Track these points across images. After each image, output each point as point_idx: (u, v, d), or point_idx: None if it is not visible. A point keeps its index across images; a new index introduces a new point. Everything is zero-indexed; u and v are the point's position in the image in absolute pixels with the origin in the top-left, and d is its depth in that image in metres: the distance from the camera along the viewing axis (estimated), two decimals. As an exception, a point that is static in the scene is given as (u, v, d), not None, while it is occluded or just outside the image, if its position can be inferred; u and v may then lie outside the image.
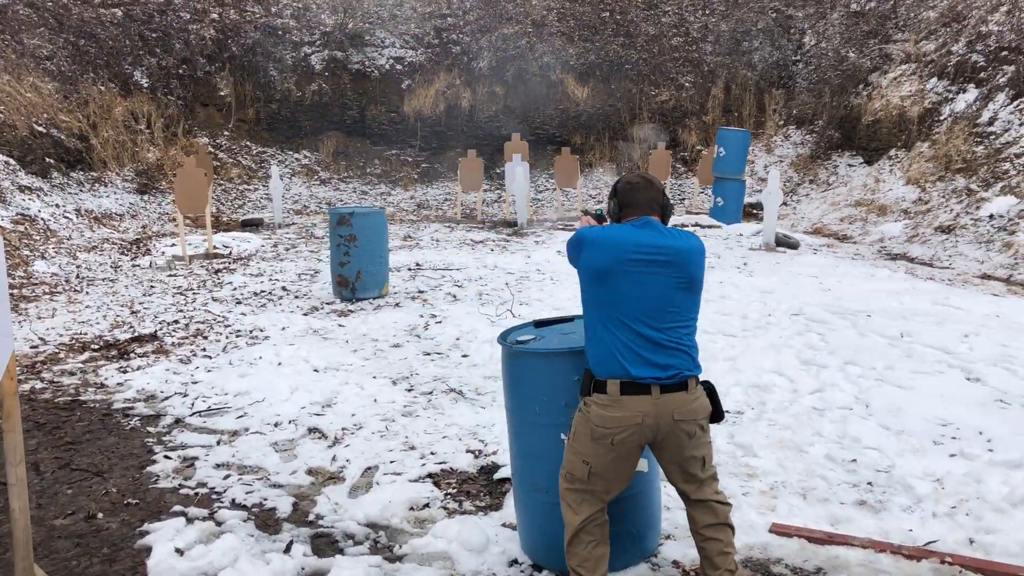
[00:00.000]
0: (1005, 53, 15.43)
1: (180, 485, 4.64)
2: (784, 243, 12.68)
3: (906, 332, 7.23)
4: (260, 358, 6.89)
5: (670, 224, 3.32)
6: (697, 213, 16.43)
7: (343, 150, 19.15)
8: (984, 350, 6.67)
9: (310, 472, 4.79)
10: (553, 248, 12.58)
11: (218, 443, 5.23)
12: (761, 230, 14.10)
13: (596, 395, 3.13)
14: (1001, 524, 3.86)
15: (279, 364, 6.72)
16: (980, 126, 14.79)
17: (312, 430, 5.38)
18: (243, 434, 5.36)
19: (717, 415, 3.19)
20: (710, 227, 14.91)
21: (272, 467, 4.85)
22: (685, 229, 3.26)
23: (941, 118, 15.91)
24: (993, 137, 14.33)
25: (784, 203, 17.42)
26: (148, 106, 17.17)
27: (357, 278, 9.08)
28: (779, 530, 3.86)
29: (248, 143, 18.70)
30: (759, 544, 3.77)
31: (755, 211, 16.60)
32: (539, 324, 3.91)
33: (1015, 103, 14.50)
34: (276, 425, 5.47)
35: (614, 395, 3.06)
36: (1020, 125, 14.01)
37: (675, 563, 3.66)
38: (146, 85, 17.62)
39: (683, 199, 18.39)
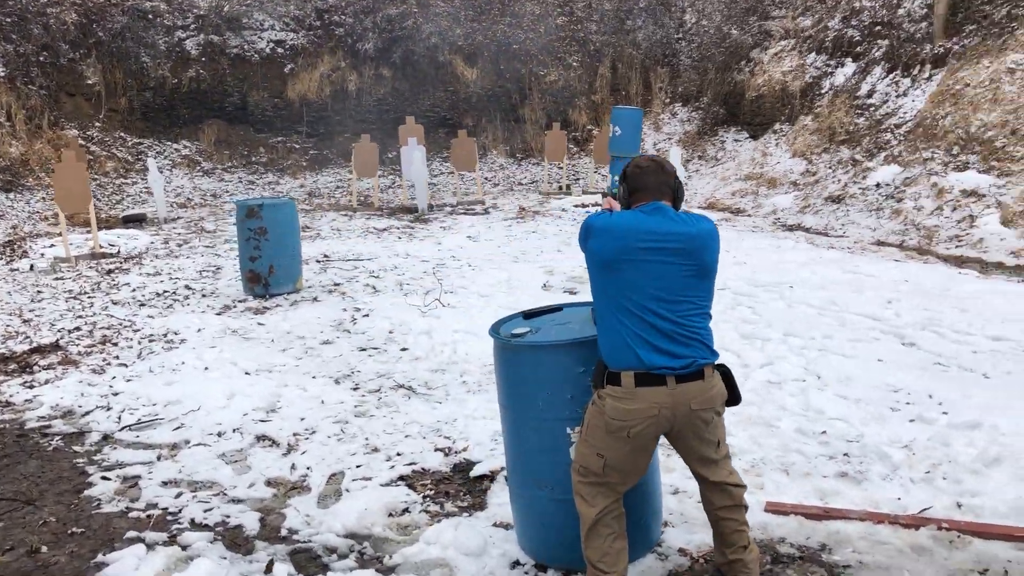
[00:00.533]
0: (879, 28, 16.11)
1: (127, 508, 4.27)
2: (687, 219, 12.87)
3: (831, 301, 7.42)
4: (183, 363, 6.46)
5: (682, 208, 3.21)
6: (594, 192, 16.53)
7: (226, 138, 18.32)
8: (910, 315, 6.91)
9: (270, 483, 4.49)
10: (462, 234, 12.39)
11: (159, 458, 4.85)
12: (661, 207, 14.29)
13: (610, 387, 3.01)
14: (981, 486, 3.96)
15: (206, 369, 6.32)
16: (860, 98, 15.40)
17: (261, 438, 5.06)
18: (184, 447, 4.99)
19: (734, 399, 3.13)
20: (610, 205, 14.99)
21: (226, 481, 4.53)
22: (695, 213, 3.14)
23: (822, 92, 16.50)
24: (873, 109, 14.95)
25: (676, 179, 17.71)
26: (7, 96, 15.92)
27: (270, 273, 8.66)
28: (774, 508, 3.85)
29: (122, 134, 17.64)
30: (758, 524, 3.74)
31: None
32: (528, 315, 3.75)
33: (891, 76, 15.16)
34: (219, 435, 5.12)
35: (629, 387, 2.95)
36: (897, 97, 14.66)
37: (681, 551, 3.59)
38: (2, 74, 16.33)
39: (578, 179, 18.47)
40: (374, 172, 16.17)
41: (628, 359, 2.95)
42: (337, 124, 18.90)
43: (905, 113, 14.11)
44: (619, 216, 3.08)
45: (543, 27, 20.07)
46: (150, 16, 18.29)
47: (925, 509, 3.77)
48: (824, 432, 4.70)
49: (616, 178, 3.68)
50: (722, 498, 3.17)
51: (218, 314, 8.07)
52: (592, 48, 20.16)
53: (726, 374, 3.11)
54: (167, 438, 5.12)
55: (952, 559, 3.41)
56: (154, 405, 5.66)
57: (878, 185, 13.19)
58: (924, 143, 13.05)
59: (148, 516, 4.18)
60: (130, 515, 4.19)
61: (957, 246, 10.65)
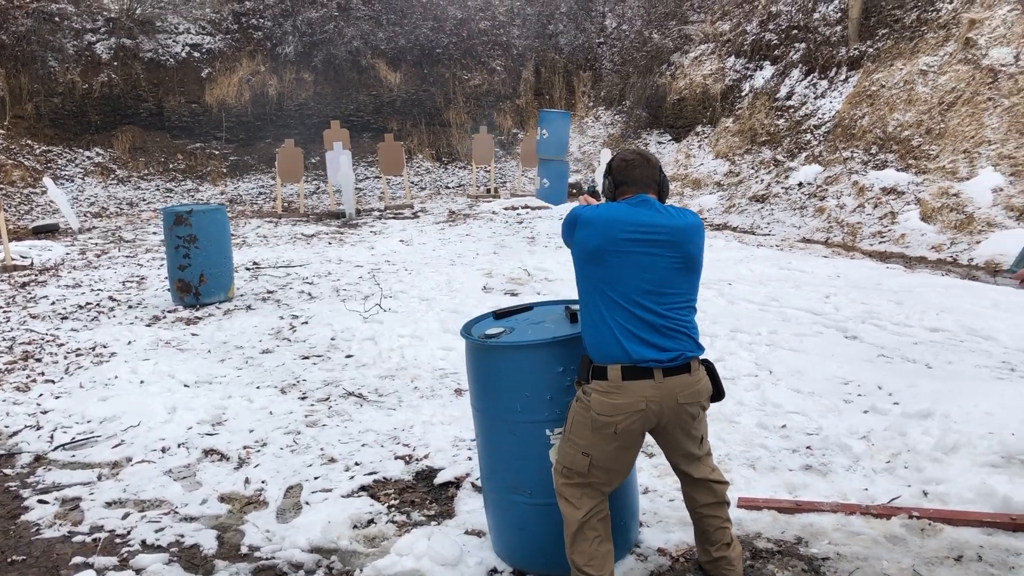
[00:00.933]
0: (795, 31, 16.54)
1: (71, 532, 4.01)
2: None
3: (771, 297, 7.53)
4: (116, 377, 6.15)
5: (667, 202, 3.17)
6: (522, 195, 16.52)
7: (141, 145, 17.71)
8: (848, 309, 7.06)
9: (223, 499, 4.28)
10: (395, 238, 12.21)
11: (99, 478, 4.59)
12: (591, 209, 14.36)
13: (596, 382, 2.95)
14: (943, 473, 4.03)
15: (142, 382, 6.03)
16: (779, 100, 15.79)
17: (209, 452, 4.84)
18: (127, 465, 4.73)
19: (718, 394, 3.10)
20: (539, 208, 15.03)
21: (176, 498, 4.30)
22: (680, 207, 3.10)
23: (742, 94, 16.86)
24: (792, 110, 15.33)
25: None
26: (-96, 103, 15.09)
27: (201, 282, 8.36)
28: (747, 504, 3.84)
29: (29, 142, 16.88)
30: (732, 520, 3.71)
31: (573, 191, 16.91)
32: (499, 315, 3.66)
33: (808, 78, 15.59)
34: (164, 451, 4.88)
35: (615, 381, 2.90)
36: (816, 98, 15.07)
37: (660, 551, 3.54)
38: (-101, 79, 15.48)
39: (505, 182, 18.44)
40: (299, 177, 15.84)
41: (615, 352, 2.90)
42: (258, 129, 18.47)
43: (824, 114, 14.51)
44: (605, 207, 3.02)
45: (466, 31, 20.01)
46: (57, 19, 17.56)
47: (894, 498, 3.82)
48: (784, 426, 4.73)
49: (592, 180, 3.64)
50: (706, 495, 3.15)
51: (148, 325, 7.74)
52: (515, 52, 20.18)
53: (710, 369, 3.08)
54: (107, 456, 4.85)
55: (926, 547, 3.45)
56: (89, 422, 5.36)
57: (800, 184, 13.52)
58: (843, 143, 13.42)
59: (94, 540, 3.94)
60: (74, 540, 3.94)
61: (880, 242, 10.97)
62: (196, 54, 18.51)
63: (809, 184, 13.34)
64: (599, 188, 3.42)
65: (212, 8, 18.86)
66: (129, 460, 4.79)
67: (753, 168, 14.93)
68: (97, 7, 18.12)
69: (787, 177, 13.91)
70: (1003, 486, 3.78)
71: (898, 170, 12.01)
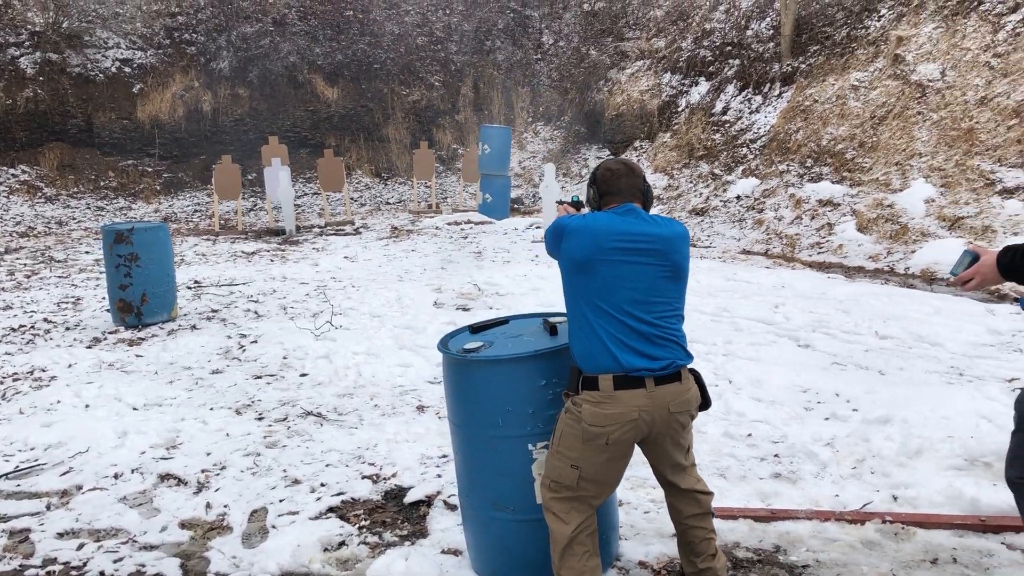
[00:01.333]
0: (729, 48, 16.89)
1: (22, 566, 3.82)
2: (563, 234, 13.00)
3: (723, 308, 7.62)
4: (59, 402, 5.91)
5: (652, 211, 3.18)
6: (464, 211, 16.49)
7: (70, 162, 17.18)
8: (798, 318, 7.18)
9: (185, 525, 4.12)
10: (339, 255, 12.05)
11: (49, 508, 4.38)
12: (533, 223, 14.43)
13: (587, 392, 2.92)
14: (910, 477, 4.10)
15: (87, 407, 5.81)
16: (715, 115, 16.08)
17: (165, 477, 4.67)
18: (77, 493, 4.53)
19: (706, 403, 3.10)
20: (482, 223, 15.02)
21: (133, 527, 4.13)
22: (669, 217, 3.11)
23: (679, 109, 17.12)
24: (728, 125, 15.62)
25: (540, 197, 17.96)
26: None
27: (143, 301, 8.11)
28: (723, 513, 3.84)
29: (-50, 159, 16.25)
30: (709, 530, 3.73)
31: (515, 206, 16.96)
32: (476, 329, 3.60)
33: (743, 93, 15.91)
34: (117, 477, 4.69)
35: (607, 391, 2.87)
36: (751, 113, 15.38)
37: (641, 564, 3.52)
38: None
39: (446, 197, 18.39)
40: (237, 194, 15.54)
41: (605, 362, 2.88)
42: (192, 146, 18.09)
43: (759, 129, 14.81)
44: (592, 217, 3.01)
45: (403, 47, 19.95)
46: (-21, 32, 16.98)
47: (866, 504, 3.87)
48: (750, 435, 4.77)
49: (574, 196, 3.62)
50: (691, 506, 3.13)
51: (88, 347, 7.48)
52: (454, 68, 20.19)
53: (697, 377, 3.08)
54: (55, 485, 4.65)
55: (902, 551, 3.49)
56: (32, 449, 5.13)
57: (739, 197, 13.76)
58: (779, 156, 13.72)
59: (48, 573, 3.76)
60: (26, 573, 3.75)
61: (819, 252, 11.21)
62: (127, 69, 18.07)
63: (747, 197, 13.59)
64: (581, 198, 3.41)
65: (143, 23, 18.45)
66: (79, 488, 4.59)
67: (691, 182, 15.15)
68: (21, 20, 17.57)
69: (725, 190, 14.15)
70: (970, 488, 3.86)
71: (833, 182, 12.32)
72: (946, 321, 6.95)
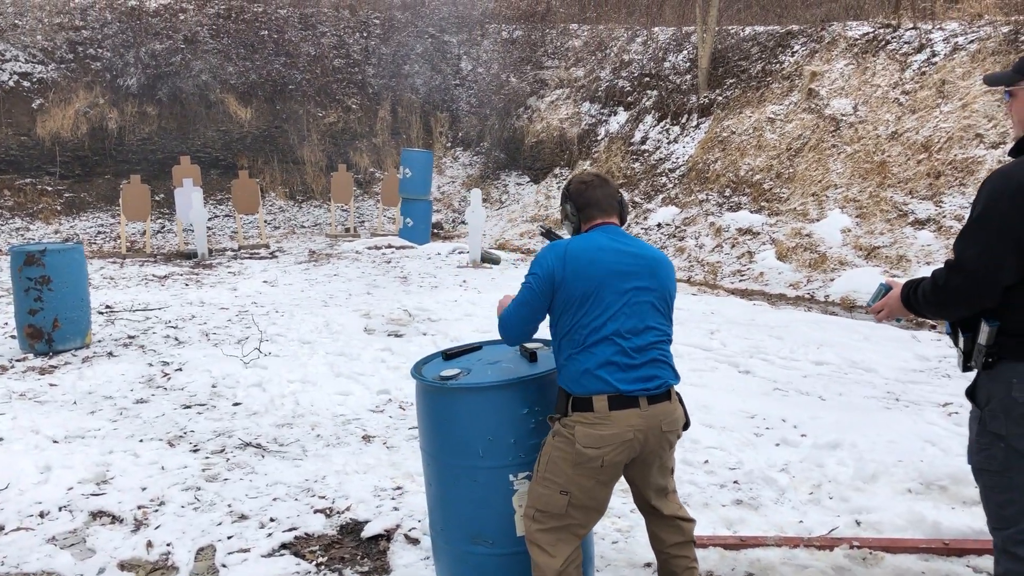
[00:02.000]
0: (647, 79, 17.22)
1: (-57, 616, 3.49)
2: (488, 259, 12.96)
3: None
4: (-31, 435, 5.48)
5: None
6: (383, 235, 16.26)
7: (-38, 180, 16.24)
8: (735, 345, 7.27)
9: (124, 566, 3.84)
10: (257, 279, 11.68)
11: (-32, 551, 4.03)
12: (456, 248, 14.33)
13: (579, 414, 2.83)
14: (869, 502, 4.14)
15: (1, 440, 5.40)
16: (634, 144, 16.34)
17: (97, 515, 4.35)
18: (0, 534, 4.18)
19: (687, 422, 3.07)
20: (402, 248, 14.83)
21: (67, 569, 3.82)
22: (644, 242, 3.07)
23: (598, 138, 17.34)
24: (647, 154, 15.90)
25: (462, 222, 17.90)
26: None
27: (55, 327, 7.65)
28: (693, 542, 3.79)
29: None
30: (682, 560, 3.67)
31: (435, 230, 16.83)
32: (449, 356, 3.47)
33: (661, 124, 16.23)
34: (43, 515, 4.34)
35: (602, 411, 2.80)
36: (668, 143, 15.69)
37: (618, 596, 3.43)
38: None
39: (363, 221, 18.12)
40: (146, 215, 14.95)
41: (597, 384, 2.81)
42: (96, 165, 17.34)
43: (678, 158, 15.11)
44: (580, 246, 2.92)
45: (319, 68, 19.65)
46: None
47: (832, 529, 3.88)
48: (707, 461, 4.76)
49: (541, 227, 3.55)
50: (674, 535, 3.08)
51: (-5, 376, 7.00)
52: (371, 91, 19.99)
53: (679, 398, 3.04)
54: (-27, 525, 4.28)
55: None
56: (-57, 487, 4.73)
57: (660, 225, 13.98)
58: (698, 186, 14.01)
59: (-25, 623, 3.43)
60: (-51, 624, 3.42)
61: (741, 280, 11.45)
62: (26, 83, 17.23)
63: (668, 225, 13.81)
64: (550, 227, 3.36)
65: (44, 35, 17.66)
66: (1, 529, 4.23)
67: (612, 209, 15.31)
68: (-89, 29, 16.60)
69: (646, 218, 14.35)
70: (930, 512, 3.92)
71: (752, 212, 12.63)
72: (876, 347, 7.14)
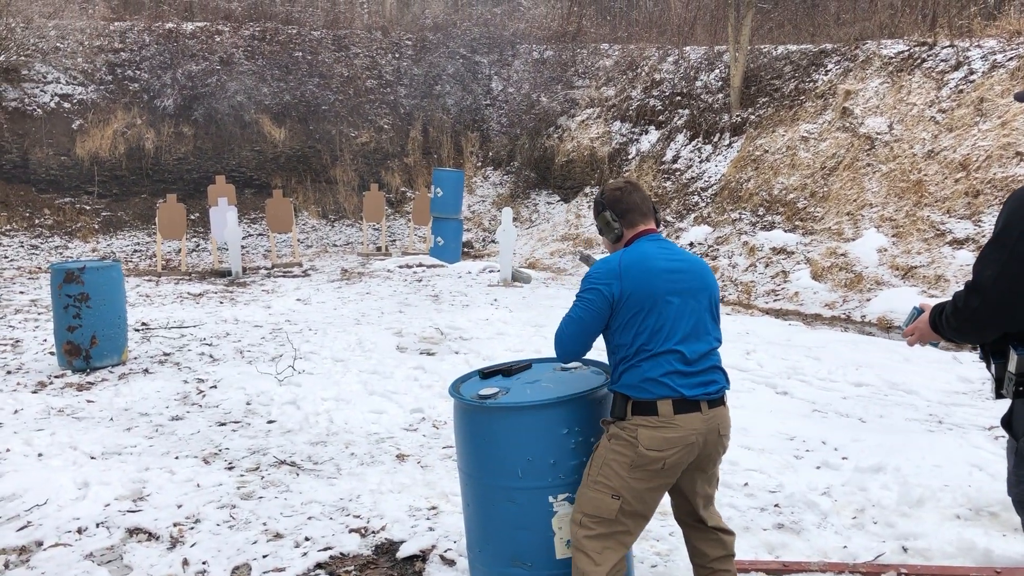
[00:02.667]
0: (679, 98, 17.18)
1: (-18, 632, 3.49)
2: (519, 278, 12.94)
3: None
4: (8, 451, 5.52)
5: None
6: (414, 253, 16.31)
7: (3, 199, 16.51)
8: (772, 365, 7.17)
9: (161, 585, 3.84)
10: (291, 297, 11.73)
11: (7, 566, 4.04)
12: (487, 267, 14.33)
13: (642, 417, 2.84)
14: (916, 528, 4.04)
15: (40, 455, 5.44)
16: (666, 163, 16.28)
17: (134, 531, 4.36)
18: (38, 550, 4.19)
19: None
20: (433, 266, 14.85)
21: (104, 587, 3.83)
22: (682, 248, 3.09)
23: (629, 157, 17.31)
24: (679, 173, 15.83)
25: (493, 241, 17.92)
26: None
27: (92, 344, 7.72)
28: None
29: None
30: (723, 585, 3.59)
31: (465, 249, 16.87)
32: (485, 375, 3.45)
33: (692, 143, 16.16)
34: (80, 532, 4.36)
35: (667, 415, 2.83)
36: (700, 162, 15.61)
37: (659, 621, 3.37)
38: None
39: (394, 240, 18.19)
40: (182, 234, 15.11)
41: (661, 390, 2.85)
42: (133, 184, 17.59)
43: (710, 177, 15.02)
44: (632, 259, 2.92)
45: (352, 89, 19.83)
46: (-90, 62, 16.34)
47: (879, 556, 3.79)
48: (747, 484, 4.68)
49: (579, 252, 3.60)
50: (716, 548, 3.10)
51: (34, 392, 7.06)
52: (403, 111, 20.12)
53: None
54: (12, 540, 4.29)
55: (923, 603, 3.41)
56: (-17, 502, 4.76)
57: (692, 244, 13.88)
58: (731, 204, 13.91)
59: (13, 639, 3.44)
60: (-12, 640, 3.43)
61: (775, 300, 11.33)
62: (66, 104, 17.55)
63: (700, 244, 13.71)
64: (586, 253, 3.39)
65: (84, 58, 17.98)
66: (40, 544, 4.25)
67: (644, 228, 15.24)
68: (-45, 52, 16.97)
69: (678, 237, 14.26)
70: (980, 539, 3.81)
71: (786, 231, 12.51)
72: (917, 369, 7.01)
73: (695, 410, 2.85)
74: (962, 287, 2.40)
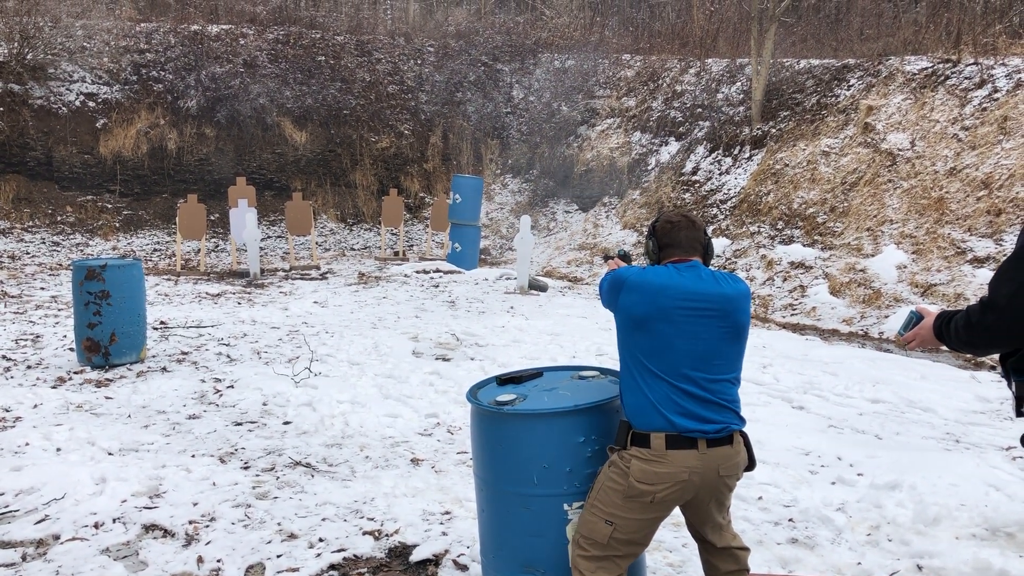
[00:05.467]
0: (700, 110, 17.17)
1: (-1, 623, 3.53)
2: (535, 286, 12.95)
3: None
4: (27, 445, 5.58)
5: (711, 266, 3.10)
6: (432, 259, 16.36)
7: (27, 196, 16.69)
8: (788, 380, 7.14)
9: (175, 582, 3.87)
10: (307, 299, 11.79)
11: (24, 559, 4.09)
12: (504, 274, 14.35)
13: (637, 448, 2.82)
14: (931, 546, 4.02)
15: (58, 450, 5.49)
16: (685, 175, 16.26)
17: (150, 528, 4.39)
18: (55, 543, 4.23)
19: (752, 464, 3.01)
20: (450, 272, 14.89)
21: (120, 582, 3.86)
22: (730, 272, 3.02)
23: (648, 168, 17.30)
24: (698, 185, 15.81)
25: (510, 248, 17.94)
26: None
27: (111, 341, 7.79)
28: (747, 580, 3.71)
29: (-99, 187, 15.69)
30: (736, 598, 3.59)
31: (482, 256, 16.90)
32: (503, 381, 3.46)
33: (712, 155, 16.14)
34: (97, 526, 4.40)
35: (659, 449, 2.78)
36: (720, 174, 15.59)
37: (671, 632, 3.36)
38: None
39: (412, 245, 18.25)
40: (201, 234, 15.22)
41: (657, 421, 2.80)
42: (154, 184, 17.74)
43: (729, 190, 14.99)
44: (653, 272, 2.91)
45: (374, 94, 19.93)
46: (-61, 59, 16.55)
47: (893, 573, 3.77)
48: (761, 497, 4.67)
49: (620, 249, 3.56)
50: (729, 563, 3.07)
51: (53, 387, 7.13)
52: (423, 117, 20.20)
53: (745, 439, 2.98)
54: (29, 534, 4.33)
55: (937, 622, 3.39)
56: (2, 495, 4.81)
57: (710, 256, 13.82)
58: (750, 218, 13.87)
59: (29, 631, 3.47)
60: (4, 631, 3.46)
61: (792, 314, 11.28)
62: (91, 104, 17.73)
63: (719, 256, 13.68)
64: (627, 250, 3.36)
65: (110, 58, 18.16)
66: (57, 538, 4.29)
67: (661, 239, 15.22)
68: (-16, 50, 17.18)
69: (696, 249, 14.21)
70: (997, 560, 3.79)
71: (805, 245, 12.47)
72: (934, 387, 6.97)
73: (690, 447, 2.76)
74: (976, 302, 2.40)
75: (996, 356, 2.65)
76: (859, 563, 3.91)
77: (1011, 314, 2.28)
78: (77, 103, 17.66)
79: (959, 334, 2.44)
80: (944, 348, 2.62)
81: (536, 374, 3.54)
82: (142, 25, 19.33)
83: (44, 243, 16.12)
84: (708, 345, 2.83)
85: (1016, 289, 2.26)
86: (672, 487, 2.78)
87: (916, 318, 2.70)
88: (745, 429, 2.97)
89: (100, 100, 17.90)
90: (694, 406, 2.79)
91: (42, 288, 12.59)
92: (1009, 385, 2.44)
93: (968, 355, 2.41)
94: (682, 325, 2.81)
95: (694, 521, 3.02)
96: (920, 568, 3.84)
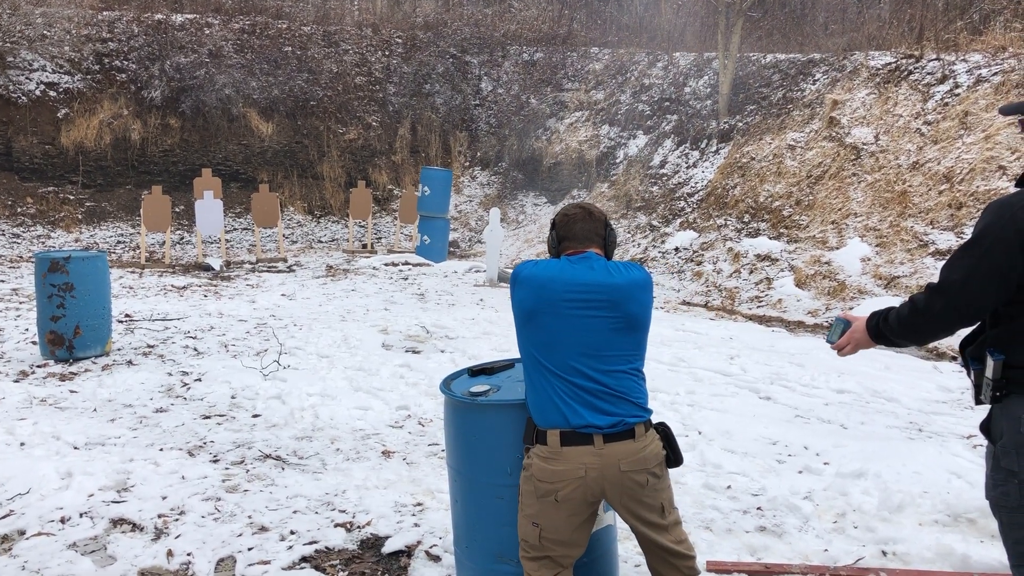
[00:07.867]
0: (667, 103, 17.27)
1: (-36, 620, 3.48)
2: (505, 279, 12.96)
3: (679, 358, 7.63)
4: (-10, 439, 5.50)
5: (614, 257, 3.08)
6: (400, 252, 16.31)
7: (-14, 186, 16.39)
8: (755, 371, 7.23)
9: (145, 574, 3.83)
10: (275, 292, 11.71)
11: (-11, 555, 4.03)
12: (473, 267, 14.35)
13: (538, 447, 2.83)
14: (895, 532, 4.09)
15: (22, 445, 5.41)
16: (653, 168, 16.36)
17: (118, 522, 4.35)
18: (20, 539, 4.18)
19: (676, 460, 2.94)
20: (419, 265, 14.86)
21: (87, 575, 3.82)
22: (628, 261, 3.01)
23: (617, 161, 17.38)
24: (666, 178, 15.90)
25: (479, 241, 17.95)
26: None
27: (76, 334, 7.68)
28: (716, 568, 3.76)
29: None
30: (706, 585, 3.64)
31: (451, 249, 16.89)
32: (475, 372, 3.47)
33: (680, 148, 16.25)
34: (64, 521, 4.34)
35: (555, 447, 2.78)
36: (687, 168, 15.70)
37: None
38: None
39: (380, 238, 18.18)
40: (166, 226, 15.04)
41: (553, 417, 2.79)
42: (118, 175, 17.48)
43: (696, 183, 15.10)
44: (543, 265, 2.91)
45: (341, 85, 19.79)
46: None
47: (859, 560, 3.84)
48: (729, 487, 4.73)
49: None
50: (668, 570, 2.92)
51: (16, 381, 7.02)
52: (391, 109, 20.10)
53: (666, 433, 2.95)
54: (-6, 529, 4.28)
55: (902, 607, 3.46)
56: (-36, 490, 4.74)
57: (677, 249, 13.95)
58: (717, 211, 13.99)
59: (-4, 627, 3.43)
60: (-30, 628, 3.41)
61: (759, 306, 11.40)
62: (52, 93, 17.42)
63: (685, 249, 13.78)
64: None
65: (72, 47, 17.84)
66: (22, 533, 4.23)
67: (630, 232, 15.32)
68: (-59, 37, 16.81)
69: (664, 242, 14.34)
70: (959, 545, 3.87)
71: (771, 238, 12.60)
72: (898, 377, 7.09)
73: (585, 443, 2.74)
74: (920, 291, 2.45)
75: (956, 346, 2.70)
76: (826, 550, 3.97)
77: (958, 301, 2.34)
78: (37, 92, 17.34)
79: (902, 322, 2.48)
80: (879, 347, 2.67)
81: (508, 365, 3.56)
82: (104, 14, 19.01)
83: (4, 235, 15.83)
84: (598, 337, 2.78)
85: (965, 277, 2.32)
86: (570, 484, 2.74)
87: (844, 324, 2.73)
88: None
89: (61, 90, 17.59)
90: (588, 399, 2.77)
91: (2, 280, 12.38)
92: (968, 374, 2.49)
93: (909, 346, 2.45)
94: (568, 317, 2.78)
95: (626, 521, 2.90)
96: (885, 554, 3.91)
